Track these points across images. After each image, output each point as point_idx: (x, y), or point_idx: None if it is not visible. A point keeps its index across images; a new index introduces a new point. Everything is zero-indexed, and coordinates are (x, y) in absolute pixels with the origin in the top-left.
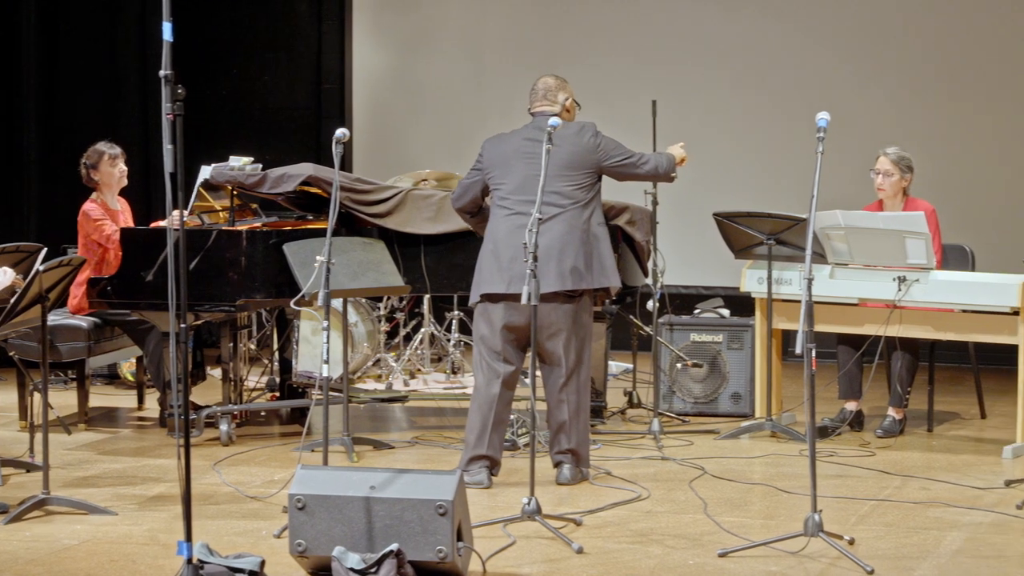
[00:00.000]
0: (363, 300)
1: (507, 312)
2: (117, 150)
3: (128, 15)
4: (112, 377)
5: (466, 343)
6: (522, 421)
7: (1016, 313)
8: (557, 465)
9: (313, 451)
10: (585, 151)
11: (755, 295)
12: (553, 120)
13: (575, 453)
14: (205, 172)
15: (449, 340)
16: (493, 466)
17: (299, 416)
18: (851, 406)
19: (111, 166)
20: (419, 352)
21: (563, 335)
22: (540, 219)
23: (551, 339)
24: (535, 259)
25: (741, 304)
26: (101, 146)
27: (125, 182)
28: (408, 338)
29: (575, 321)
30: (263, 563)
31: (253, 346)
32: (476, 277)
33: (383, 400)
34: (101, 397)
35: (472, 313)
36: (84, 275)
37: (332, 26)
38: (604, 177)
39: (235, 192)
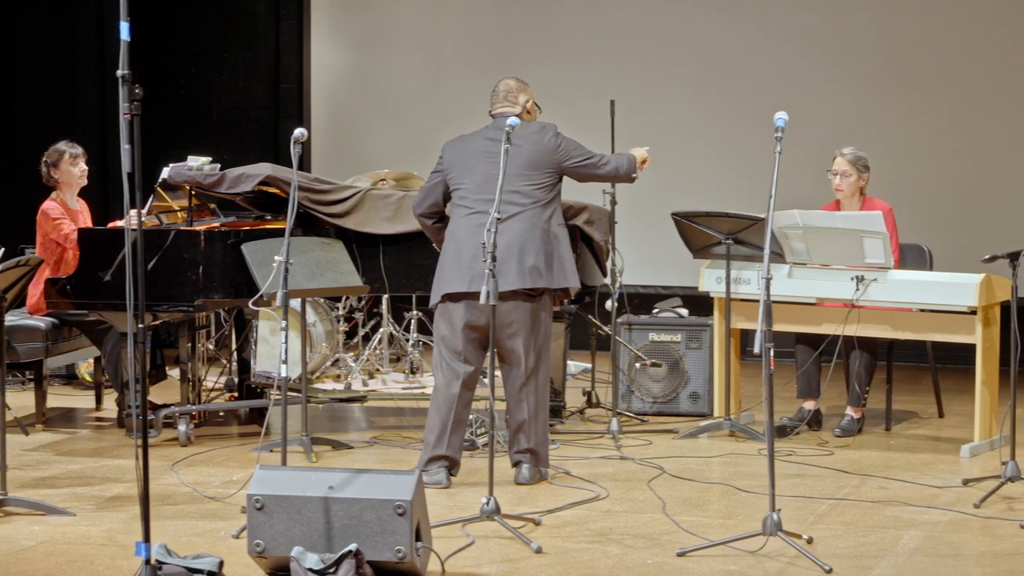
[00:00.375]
0: (322, 300)
1: (468, 311)
2: (78, 150)
3: (85, 14)
4: (70, 377)
5: (425, 343)
6: (481, 421)
7: (974, 313)
8: (516, 465)
9: (271, 451)
10: (546, 151)
11: (713, 295)
12: (512, 120)
13: (534, 453)
14: (163, 172)
15: (408, 340)
16: (452, 466)
17: (258, 416)
18: (809, 405)
19: (72, 165)
20: (378, 352)
21: (523, 334)
22: (499, 218)
23: (511, 338)
24: (494, 259)
25: (700, 304)
26: (62, 145)
27: (85, 182)
28: (367, 338)
29: (535, 320)
30: (221, 563)
31: (211, 346)
32: (437, 277)
33: (342, 400)
34: (59, 397)
35: (431, 313)
36: (43, 275)
37: (290, 26)
38: (564, 178)
39: (193, 192)
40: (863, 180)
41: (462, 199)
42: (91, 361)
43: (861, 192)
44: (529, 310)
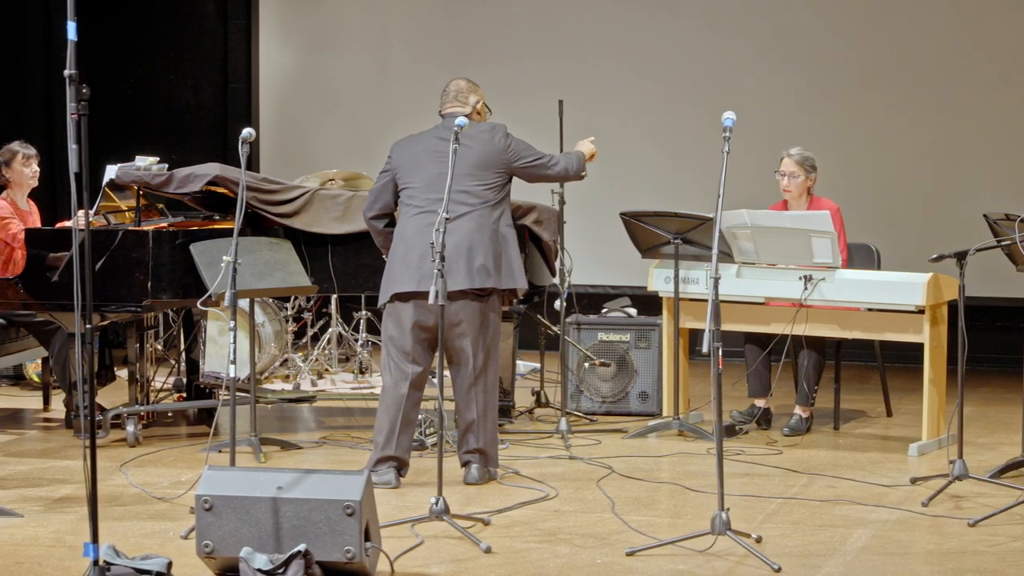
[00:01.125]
0: (270, 300)
1: (417, 311)
2: (32, 151)
3: (32, 14)
4: (18, 378)
5: (374, 343)
6: (430, 421)
7: (922, 312)
8: (465, 465)
9: (220, 452)
10: (495, 152)
11: (662, 294)
12: (460, 120)
13: (483, 453)
14: (111, 172)
15: (357, 340)
16: (401, 467)
17: (206, 417)
18: (758, 404)
19: (24, 165)
20: (327, 352)
21: (471, 334)
22: (448, 218)
23: (460, 338)
24: (443, 258)
25: (648, 303)
26: (15, 145)
27: (36, 183)
28: (315, 338)
29: (483, 320)
30: (170, 564)
31: (160, 347)
32: (386, 277)
33: (291, 400)
34: (6, 398)
35: (380, 313)
36: None
37: (238, 26)
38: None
39: (141, 192)
40: (811, 180)
41: (411, 198)
42: (39, 362)
43: (809, 192)
44: (478, 310)
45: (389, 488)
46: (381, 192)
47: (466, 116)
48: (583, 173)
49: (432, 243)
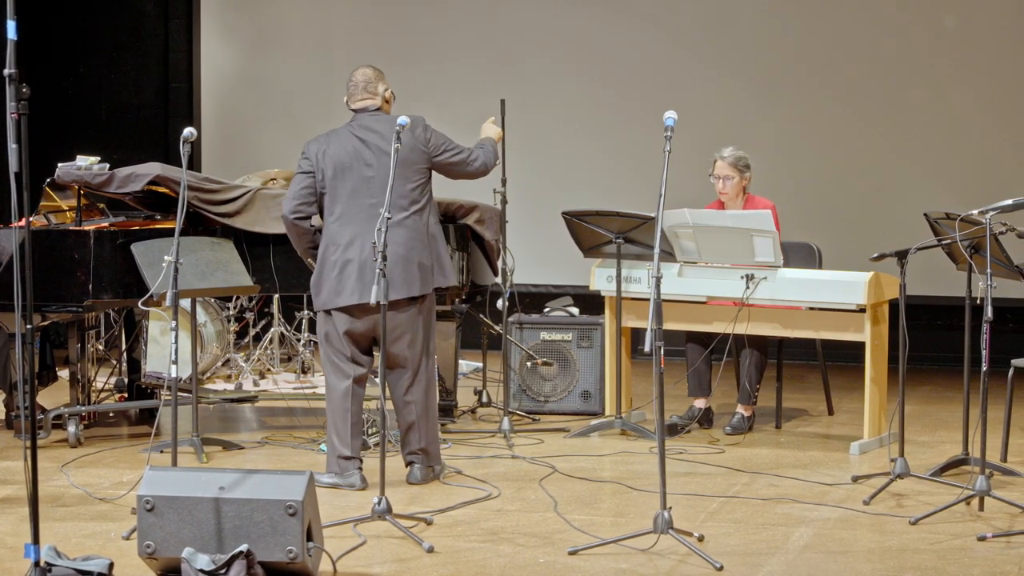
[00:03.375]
0: (212, 300)
1: (351, 320)
2: None
3: None
4: None
5: (315, 343)
6: (372, 421)
7: (863, 311)
8: (409, 464)
9: (162, 452)
10: (417, 146)
11: (604, 293)
12: (402, 119)
13: (426, 452)
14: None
15: (299, 340)
16: (360, 466)
17: (148, 417)
18: (700, 404)
19: None
20: (269, 352)
21: (407, 337)
22: (389, 217)
23: (396, 342)
24: (384, 258)
25: (591, 302)
26: None
27: None
28: (258, 338)
29: (419, 321)
30: (112, 565)
31: (101, 347)
32: (318, 283)
33: (233, 400)
34: None
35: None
36: None
37: (179, 25)
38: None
39: (82, 192)
40: (745, 180)
41: (336, 203)
42: None
43: (744, 191)
44: (412, 313)
45: (355, 490)
46: (301, 194)
47: (377, 107)
48: (497, 161)
49: (374, 244)
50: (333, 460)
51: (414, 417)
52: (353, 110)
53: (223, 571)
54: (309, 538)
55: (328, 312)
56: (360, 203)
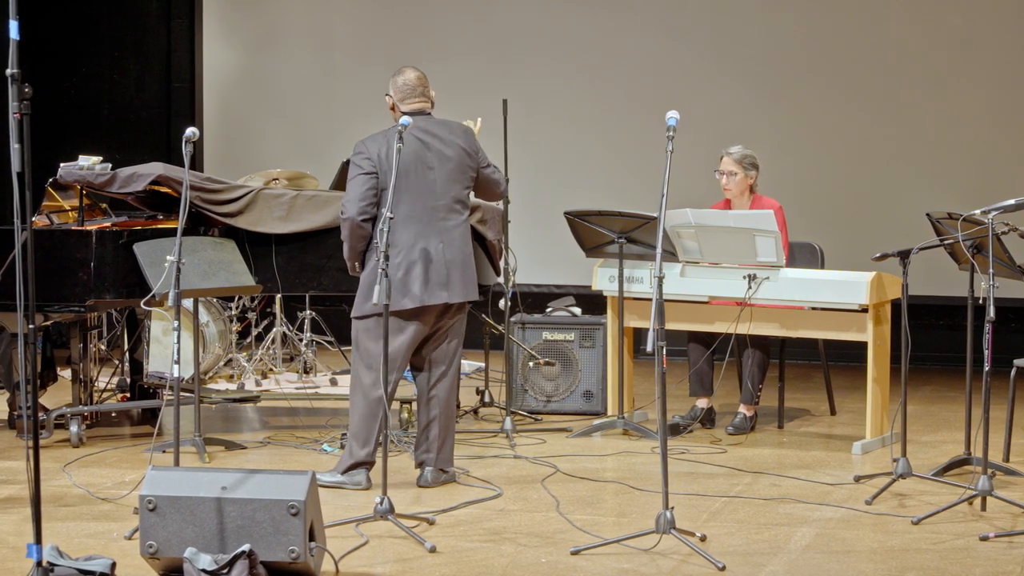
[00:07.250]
0: (214, 300)
1: (420, 324)
2: None
3: None
4: None
5: (318, 343)
6: None
7: (865, 310)
8: (420, 465)
9: (164, 452)
10: (470, 154)
11: (606, 293)
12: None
13: (439, 453)
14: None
15: (301, 340)
16: (371, 467)
17: (150, 417)
18: (702, 403)
19: None
20: (271, 352)
21: (455, 341)
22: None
23: (444, 343)
24: (387, 257)
25: (593, 302)
26: None
27: None
28: (260, 338)
29: (463, 324)
30: (114, 565)
31: (103, 347)
32: (367, 289)
33: (235, 400)
34: None
35: (325, 313)
36: None
37: (182, 24)
38: None
39: (84, 192)
40: (751, 178)
41: (400, 204)
42: None
43: (751, 190)
44: (463, 314)
45: (359, 489)
46: (369, 195)
47: (430, 111)
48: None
49: (426, 249)
50: (347, 460)
51: (436, 412)
52: (404, 112)
53: (225, 571)
54: (311, 538)
55: (397, 319)
56: (423, 205)
